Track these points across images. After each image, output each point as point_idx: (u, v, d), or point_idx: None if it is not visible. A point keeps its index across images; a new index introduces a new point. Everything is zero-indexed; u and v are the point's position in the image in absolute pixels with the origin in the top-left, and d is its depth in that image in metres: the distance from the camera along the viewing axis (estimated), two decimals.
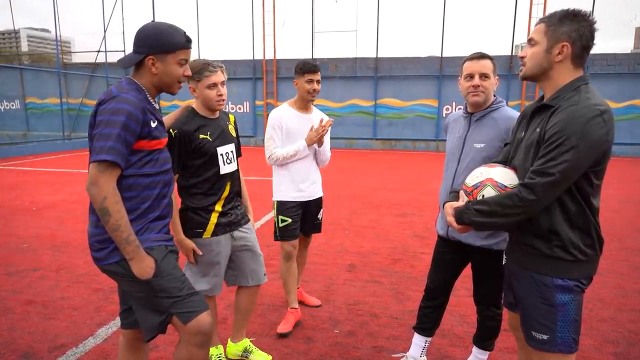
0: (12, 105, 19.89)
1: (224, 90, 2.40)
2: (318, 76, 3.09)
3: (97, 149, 1.65)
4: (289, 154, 3.06)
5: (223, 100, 2.41)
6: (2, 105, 19.90)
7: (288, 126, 3.10)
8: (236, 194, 2.61)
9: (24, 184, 8.84)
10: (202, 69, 2.32)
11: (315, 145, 3.13)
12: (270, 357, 2.76)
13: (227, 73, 2.47)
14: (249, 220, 2.69)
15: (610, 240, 5.15)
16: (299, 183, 3.15)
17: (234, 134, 2.61)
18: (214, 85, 2.35)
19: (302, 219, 3.24)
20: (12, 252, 4.73)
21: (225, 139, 2.49)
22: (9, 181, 9.14)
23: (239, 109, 18.29)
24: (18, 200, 7.26)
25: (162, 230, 1.87)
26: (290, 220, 3.16)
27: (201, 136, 2.37)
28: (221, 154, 2.44)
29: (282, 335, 3.03)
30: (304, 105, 3.16)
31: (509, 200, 1.65)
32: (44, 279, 3.97)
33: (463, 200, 1.88)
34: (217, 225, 2.46)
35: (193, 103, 2.48)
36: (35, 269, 4.23)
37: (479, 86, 2.25)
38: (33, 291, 3.71)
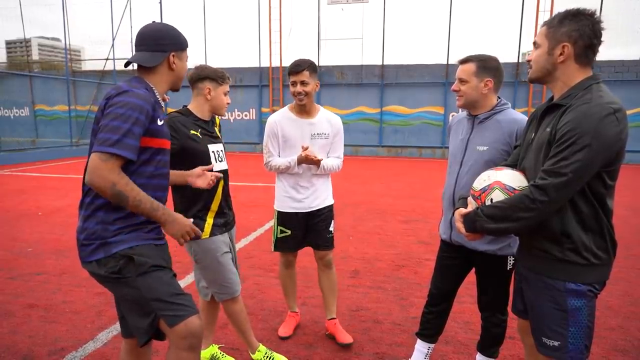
0: (22, 112, 20.15)
1: None
2: (302, 76, 2.77)
3: (102, 140, 1.59)
4: (281, 168, 2.88)
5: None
6: (11, 112, 20.17)
7: (284, 132, 2.90)
8: (228, 194, 2.62)
9: (31, 189, 8.91)
10: (224, 76, 2.53)
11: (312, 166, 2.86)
12: None
13: (234, 80, 2.64)
14: (234, 224, 2.71)
15: (617, 247, 5.06)
16: (298, 192, 2.93)
17: (219, 135, 2.67)
18: (227, 92, 2.56)
19: (309, 230, 3.01)
20: (16, 256, 4.74)
21: (215, 138, 2.57)
22: (17, 186, 9.22)
23: (245, 116, 18.37)
24: (25, 205, 7.31)
25: (153, 232, 1.83)
26: (289, 232, 2.97)
27: (192, 132, 2.42)
28: (212, 152, 2.50)
29: (283, 339, 3.00)
30: (301, 108, 2.90)
31: (521, 203, 1.61)
32: (46, 283, 3.97)
33: (472, 205, 1.84)
34: (213, 225, 2.47)
35: (193, 106, 2.53)
36: (39, 273, 4.24)
37: (458, 90, 2.27)
38: (35, 295, 3.71)
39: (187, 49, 1.93)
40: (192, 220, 1.84)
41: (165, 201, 1.93)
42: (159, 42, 1.81)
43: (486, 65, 2.20)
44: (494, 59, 2.24)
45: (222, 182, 2.51)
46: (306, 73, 2.78)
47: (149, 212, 1.68)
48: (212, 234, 2.45)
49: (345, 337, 2.99)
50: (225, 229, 2.55)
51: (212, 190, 2.43)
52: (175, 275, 1.85)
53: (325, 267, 3.10)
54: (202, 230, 2.42)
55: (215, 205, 2.48)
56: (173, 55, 1.84)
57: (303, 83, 2.79)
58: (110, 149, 1.58)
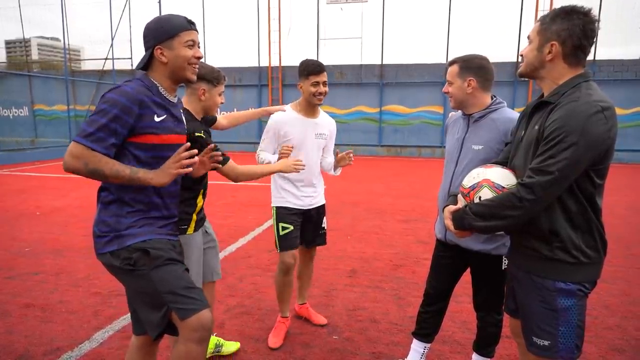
0: (21, 112, 20.10)
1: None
2: (324, 77, 2.81)
3: (79, 131, 1.67)
4: (264, 163, 2.86)
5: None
6: (11, 112, 20.11)
7: (287, 131, 2.87)
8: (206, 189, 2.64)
9: (31, 189, 8.90)
10: (220, 77, 2.48)
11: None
12: (239, 343, 2.86)
13: (233, 80, 2.60)
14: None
15: (616, 247, 5.06)
16: (298, 189, 2.97)
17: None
18: (222, 93, 2.53)
19: (303, 228, 3.04)
20: (14, 255, 4.74)
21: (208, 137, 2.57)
22: (16, 186, 9.21)
23: None
24: (24, 205, 7.30)
25: (167, 227, 1.88)
26: (292, 227, 2.95)
27: (197, 134, 2.39)
28: None
29: (273, 350, 2.88)
30: (310, 108, 2.90)
31: (508, 201, 1.61)
32: (44, 283, 3.97)
33: (461, 203, 1.84)
34: (197, 221, 2.47)
35: (188, 105, 2.48)
36: (36, 272, 4.23)
37: (447, 92, 2.29)
38: (32, 295, 3.71)
39: (183, 32, 1.81)
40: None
41: (177, 195, 1.97)
42: (145, 40, 1.84)
43: (468, 65, 2.21)
44: (479, 57, 2.23)
45: (206, 181, 2.50)
46: (326, 73, 2.84)
47: (130, 178, 1.70)
48: (195, 229, 2.46)
49: (320, 319, 3.25)
50: (202, 223, 2.56)
51: (201, 188, 2.45)
52: (187, 269, 1.87)
53: (310, 260, 3.27)
54: (188, 227, 2.41)
55: (200, 202, 2.49)
56: (158, 49, 1.80)
57: (325, 84, 2.83)
58: (82, 140, 1.65)
